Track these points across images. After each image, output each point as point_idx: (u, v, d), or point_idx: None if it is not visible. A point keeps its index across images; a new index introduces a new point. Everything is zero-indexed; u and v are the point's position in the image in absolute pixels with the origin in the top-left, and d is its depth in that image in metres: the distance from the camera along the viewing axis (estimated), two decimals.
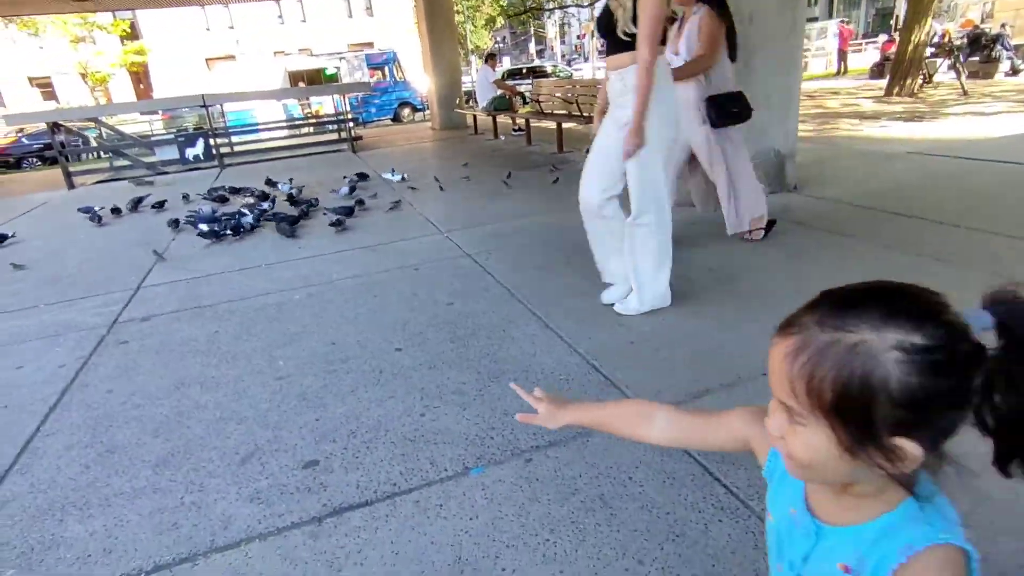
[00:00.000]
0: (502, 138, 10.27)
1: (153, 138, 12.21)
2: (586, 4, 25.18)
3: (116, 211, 6.66)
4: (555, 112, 8.76)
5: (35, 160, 16.80)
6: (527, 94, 11.01)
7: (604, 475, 1.82)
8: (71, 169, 9.62)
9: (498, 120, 10.75)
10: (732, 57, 3.52)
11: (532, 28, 46.50)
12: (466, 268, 3.81)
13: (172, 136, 10.42)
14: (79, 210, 6.55)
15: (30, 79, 34.58)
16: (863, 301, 0.57)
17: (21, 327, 3.47)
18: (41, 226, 6.55)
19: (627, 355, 2.54)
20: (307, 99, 20.92)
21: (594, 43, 30.82)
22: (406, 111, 20.45)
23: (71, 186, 9.21)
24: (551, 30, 49.56)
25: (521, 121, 9.85)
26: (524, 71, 24.95)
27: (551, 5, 26.80)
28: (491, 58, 10.93)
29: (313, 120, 15.99)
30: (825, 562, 0.66)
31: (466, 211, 5.32)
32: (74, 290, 4.09)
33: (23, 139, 17.13)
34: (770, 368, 0.62)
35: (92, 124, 11.67)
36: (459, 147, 9.94)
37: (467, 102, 13.07)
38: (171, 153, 9.79)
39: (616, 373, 2.39)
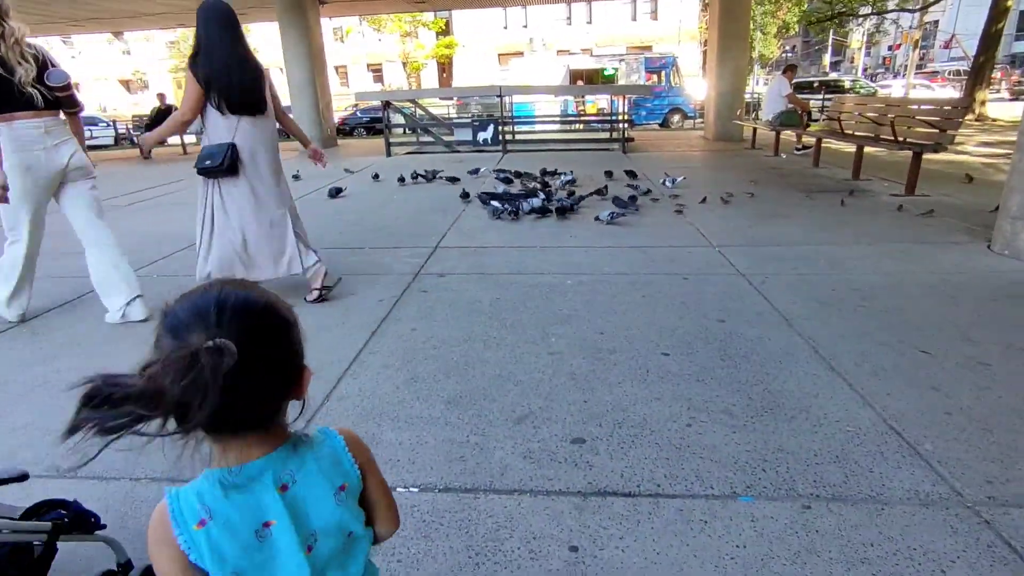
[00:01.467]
0: (783, 156, 9.47)
1: (453, 120, 14.03)
2: (917, 8, 21.64)
3: (418, 177, 7.86)
4: (856, 134, 7.75)
5: (362, 131, 20.68)
6: (822, 110, 9.94)
7: (905, 556, 1.58)
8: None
9: (781, 136, 9.94)
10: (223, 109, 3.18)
11: (831, 37, 41.69)
12: (739, 288, 3.61)
13: (469, 120, 11.85)
14: (398, 179, 7.88)
15: (368, 65, 42.56)
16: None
17: (354, 263, 4.31)
18: (367, 185, 8.02)
19: (942, 425, 2.15)
20: (582, 97, 21.98)
21: (913, 56, 26.37)
22: (676, 117, 20.11)
23: (388, 154, 11.11)
24: (856, 39, 43.85)
25: (808, 140, 8.95)
26: (816, 84, 22.53)
27: (867, 10, 23.57)
28: (790, 69, 10.09)
29: (588, 118, 16.69)
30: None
31: (740, 228, 5.04)
32: (390, 240, 4.94)
33: (357, 112, 21.21)
34: None
35: (410, 104, 13.90)
36: (735, 161, 9.45)
37: (748, 113, 12.31)
38: (465, 135, 11.16)
39: (925, 444, 2.05)
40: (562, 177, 7.24)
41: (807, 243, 4.52)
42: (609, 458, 2.01)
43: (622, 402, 2.36)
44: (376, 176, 8.32)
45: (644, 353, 2.77)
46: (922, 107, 7.18)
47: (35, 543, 1.20)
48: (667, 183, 6.72)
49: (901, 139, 6.37)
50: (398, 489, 1.88)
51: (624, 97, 11.93)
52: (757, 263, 4.07)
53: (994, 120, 15.50)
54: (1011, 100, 22.32)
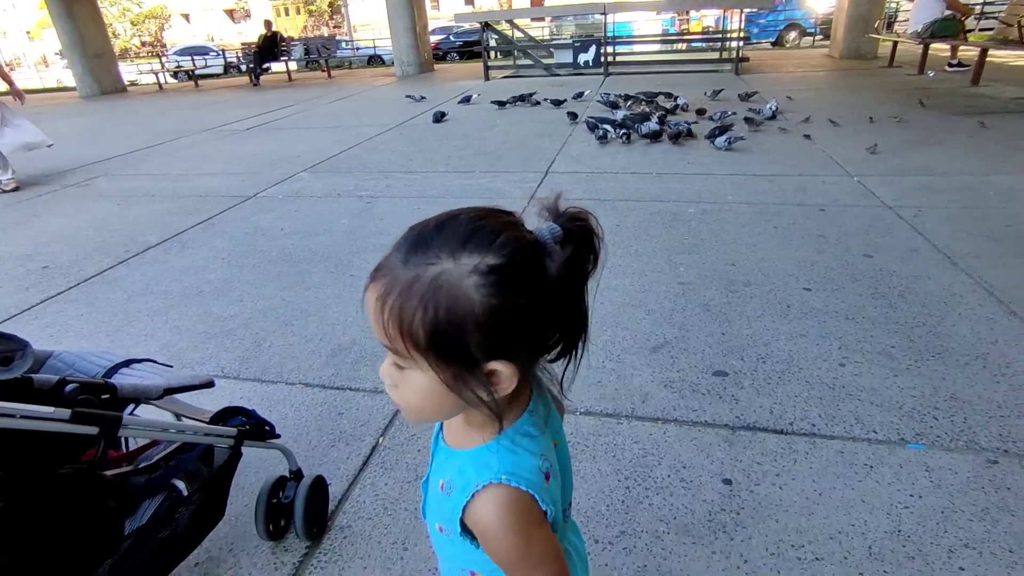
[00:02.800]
0: (930, 74, 8.30)
1: (552, 42, 13.40)
2: None
3: (521, 101, 7.63)
4: None
5: (455, 55, 20.31)
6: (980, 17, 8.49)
7: None
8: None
9: (928, 52, 8.67)
10: None
11: None
12: (887, 221, 3.26)
13: (569, 41, 11.26)
14: (499, 103, 7.70)
15: None
16: (440, 232, 0.54)
17: (467, 186, 4.29)
18: (467, 109, 7.90)
19: None
20: (686, 14, 20.22)
21: None
22: (792, 35, 18.12)
23: (487, 78, 10.85)
24: None
25: (969, 52, 7.72)
26: None
27: None
28: None
29: (692, 37, 15.43)
30: (435, 477, 0.67)
31: (883, 156, 4.51)
32: (499, 164, 4.86)
33: (450, 36, 20.77)
34: (368, 315, 0.56)
35: (507, 26, 13.37)
36: (868, 81, 8.40)
37: (888, 27, 10.83)
38: (566, 57, 10.64)
39: None
40: (678, 100, 6.76)
41: (969, 172, 3.97)
42: (756, 393, 1.91)
43: (763, 336, 2.22)
44: (467, 99, 8.15)
45: (782, 287, 2.58)
46: None
47: (220, 446, 1.26)
48: (768, 107, 6.03)
49: None
50: None
51: (740, 11, 10.81)
52: (907, 194, 3.64)
53: None
54: None
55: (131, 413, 1.10)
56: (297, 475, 1.43)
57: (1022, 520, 1.41)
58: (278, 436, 1.40)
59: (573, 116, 6.25)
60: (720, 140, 4.96)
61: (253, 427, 1.30)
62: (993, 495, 1.49)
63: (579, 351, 0.61)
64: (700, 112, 6.30)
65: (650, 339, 2.24)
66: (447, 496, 0.64)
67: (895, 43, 9.71)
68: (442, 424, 0.70)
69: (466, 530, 0.63)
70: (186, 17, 46.84)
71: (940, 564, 1.32)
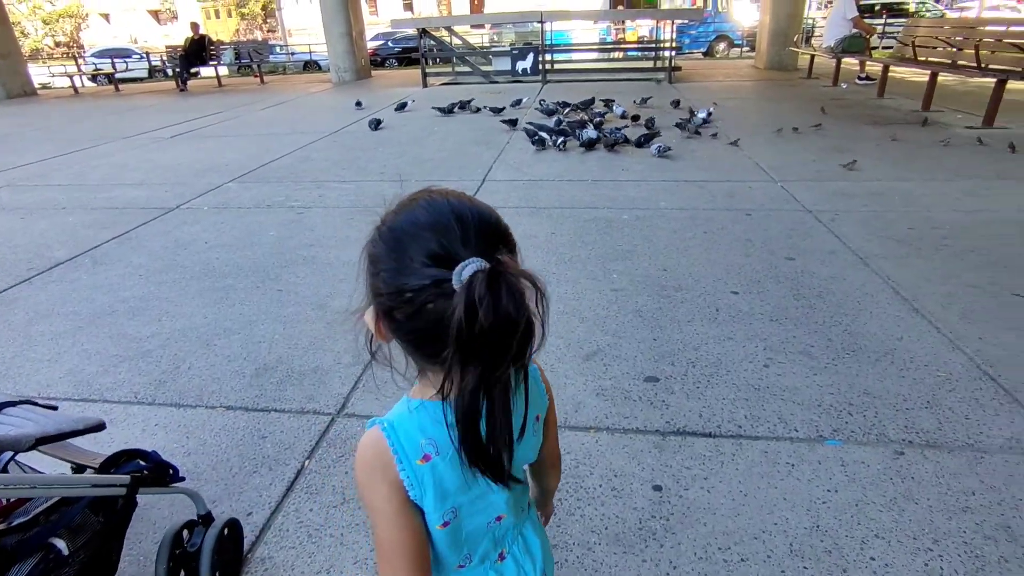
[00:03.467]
0: (843, 85, 8.84)
1: (491, 49, 13.46)
2: None
3: (459, 108, 7.61)
4: (930, 60, 7.15)
5: (394, 61, 20.08)
6: (883, 36, 9.14)
7: (1010, 505, 1.50)
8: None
9: (841, 65, 9.24)
10: None
11: None
12: (807, 225, 3.42)
13: (508, 48, 11.33)
14: (438, 110, 7.64)
15: None
16: None
17: (403, 195, 4.21)
18: (405, 117, 7.80)
19: None
20: (622, 23, 20.77)
21: None
22: (721, 46, 18.92)
23: (425, 85, 10.77)
24: None
25: (874, 68, 8.29)
26: (877, 8, 20.79)
27: None
28: None
29: (629, 46, 15.85)
30: None
31: (803, 163, 4.75)
32: (436, 173, 4.81)
33: (388, 43, 20.52)
34: None
35: (445, 33, 13.33)
36: (789, 91, 8.87)
37: (806, 41, 11.47)
38: (504, 64, 10.70)
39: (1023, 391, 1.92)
40: (615, 108, 6.90)
41: (878, 179, 4.24)
42: (685, 397, 1.95)
43: (693, 341, 2.27)
44: (403, 106, 8.07)
45: (712, 291, 2.66)
46: (1011, 28, 6.52)
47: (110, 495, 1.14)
48: (699, 115, 6.24)
49: (984, 65, 5.84)
50: None
51: (671, 23, 11.19)
52: (824, 199, 3.84)
53: None
54: None
55: (5, 464, 0.99)
56: (206, 519, 1.32)
57: (924, 508, 1.50)
58: (182, 479, 1.29)
59: (512, 123, 6.28)
60: (652, 148, 5.09)
61: (152, 471, 1.18)
62: (900, 485, 1.57)
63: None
64: (635, 119, 6.46)
65: (583, 347, 2.25)
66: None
67: (812, 56, 10.28)
68: None
69: None
70: (106, 17, 44.29)
71: (854, 556, 1.38)
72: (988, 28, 6.89)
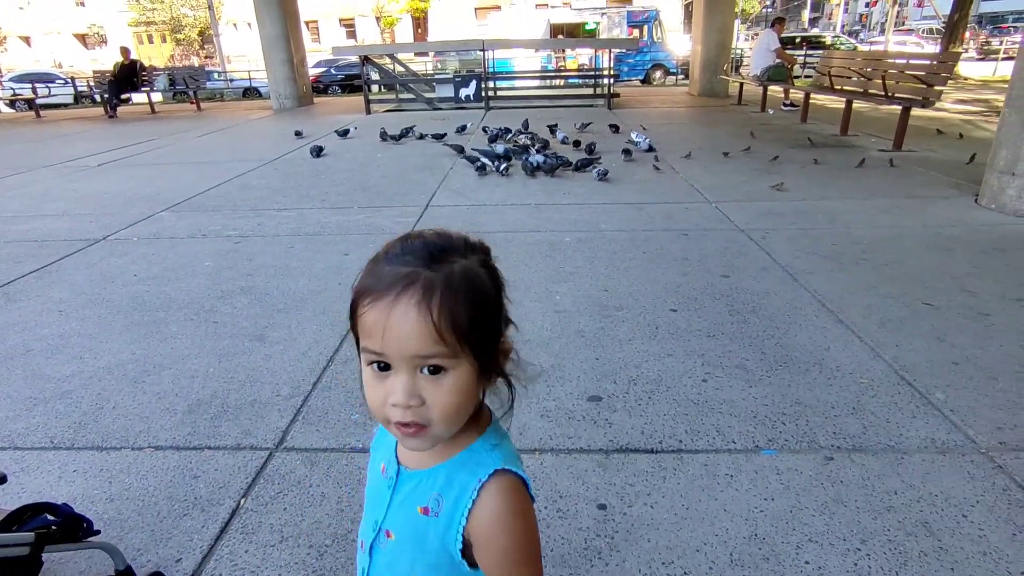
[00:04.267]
0: (770, 111, 9.39)
1: (434, 77, 13.60)
2: None
3: (402, 135, 7.62)
4: (845, 88, 7.69)
5: (337, 88, 19.97)
6: (804, 66, 9.82)
7: (928, 502, 1.59)
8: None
9: (768, 93, 9.83)
10: None
11: None
12: (740, 243, 3.58)
13: (450, 76, 11.48)
14: (380, 136, 7.62)
15: (340, 20, 40.91)
16: (444, 241, 0.59)
17: (344, 222, 4.17)
18: (347, 143, 7.74)
19: (951, 374, 2.16)
20: (562, 52, 21.42)
21: (891, 12, 26.17)
22: (658, 74, 19.82)
23: (368, 112, 10.74)
24: None
25: (797, 95, 8.86)
26: (798, 40, 22.29)
27: None
28: (779, 22, 9.90)
29: (570, 74, 16.33)
30: (406, 507, 0.64)
31: (735, 184, 4.99)
32: (379, 199, 4.78)
33: (331, 70, 20.42)
34: (395, 332, 0.54)
35: (388, 60, 13.40)
36: (721, 116, 9.34)
37: (735, 70, 12.15)
38: (447, 91, 10.82)
39: (936, 393, 2.06)
40: (559, 134, 7.07)
41: (803, 198, 4.49)
42: (628, 415, 1.98)
43: (634, 359, 2.32)
44: (345, 133, 8.02)
45: (651, 310, 2.74)
46: (911, 61, 7.12)
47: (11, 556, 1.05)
48: (637, 140, 6.44)
49: (890, 94, 6.33)
50: None
51: (608, 51, 11.64)
52: (756, 218, 4.04)
53: (966, 78, 15.93)
54: (979, 60, 22.43)
55: None
56: (126, 573, 1.24)
57: (853, 510, 1.57)
58: (96, 532, 1.21)
59: (459, 149, 6.32)
60: (593, 172, 5.23)
61: (61, 526, 1.10)
62: (830, 489, 1.64)
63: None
64: (576, 144, 6.64)
65: (527, 369, 2.26)
66: (435, 517, 0.61)
67: (741, 84, 10.89)
68: (394, 457, 0.67)
69: (463, 554, 0.61)
70: (26, 40, 42.21)
71: (790, 561, 1.42)
72: (893, 61, 7.50)
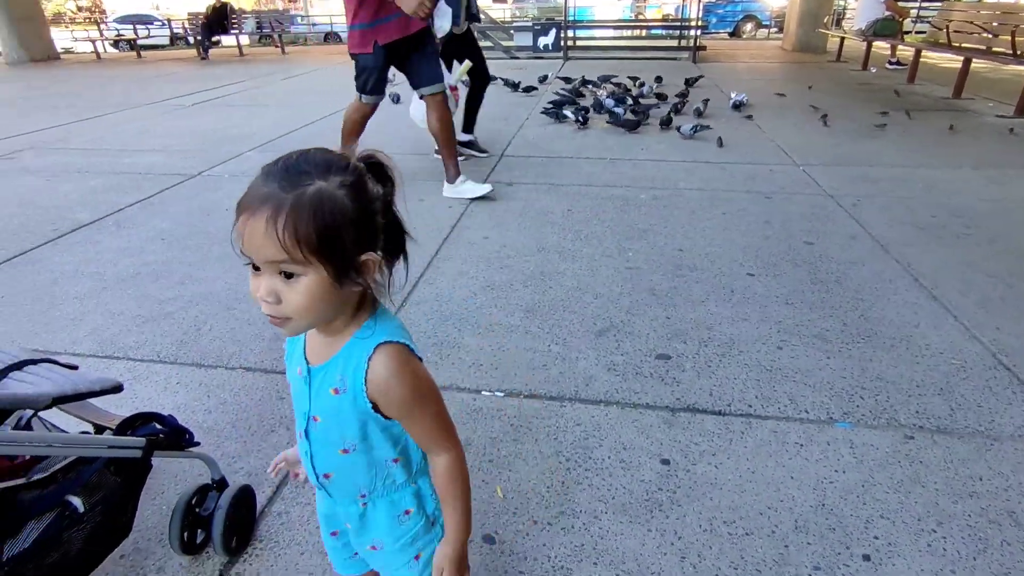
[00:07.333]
0: (872, 70, 8.63)
1: (513, 25, 13.28)
2: None
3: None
4: (964, 45, 6.94)
5: None
6: (917, 20, 8.89)
7: (1017, 491, 1.50)
8: None
9: (872, 49, 9.00)
10: None
11: None
12: (828, 210, 3.38)
13: (530, 24, 11.17)
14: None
15: None
16: (304, 163, 0.67)
17: (420, 168, 4.22)
18: None
19: None
20: (644, 1, 20.39)
21: None
22: (748, 26, 18.54)
23: None
24: None
25: (906, 52, 8.06)
26: None
27: None
28: None
29: (654, 23, 15.54)
30: (321, 393, 0.77)
31: (827, 147, 4.67)
32: None
33: None
34: (250, 241, 0.65)
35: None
36: (819, 74, 8.66)
37: (837, 23, 11.17)
38: (526, 40, 10.56)
39: None
40: (643, 87, 6.82)
41: (902, 164, 4.16)
42: (696, 376, 1.96)
43: (707, 320, 2.28)
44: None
45: (727, 272, 2.65)
46: None
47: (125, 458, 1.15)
48: (733, 98, 6.16)
49: (1020, 52, 5.67)
50: (483, 392, 1.89)
51: (699, 1, 10.95)
52: (846, 184, 3.79)
53: None
54: None
55: (28, 420, 1.02)
56: (220, 484, 1.35)
57: (931, 491, 1.51)
58: (197, 444, 1.31)
59: (531, 94, 6.21)
60: (685, 127, 5.00)
61: (167, 436, 1.21)
62: (908, 468, 1.58)
63: (406, 254, 0.78)
64: (659, 97, 6.37)
65: (596, 323, 2.27)
66: (344, 393, 0.75)
67: (842, 39, 10.03)
68: (304, 359, 0.80)
69: (375, 409, 0.76)
70: None
71: (858, 534, 1.39)
72: None
